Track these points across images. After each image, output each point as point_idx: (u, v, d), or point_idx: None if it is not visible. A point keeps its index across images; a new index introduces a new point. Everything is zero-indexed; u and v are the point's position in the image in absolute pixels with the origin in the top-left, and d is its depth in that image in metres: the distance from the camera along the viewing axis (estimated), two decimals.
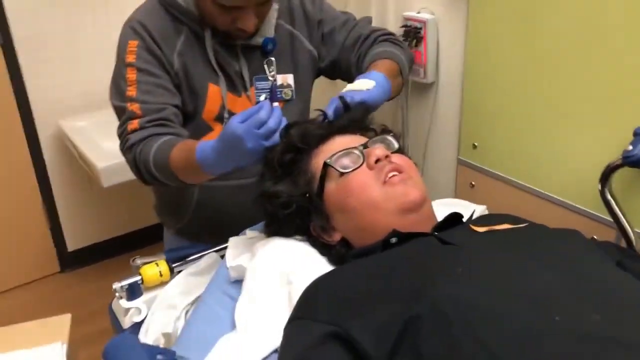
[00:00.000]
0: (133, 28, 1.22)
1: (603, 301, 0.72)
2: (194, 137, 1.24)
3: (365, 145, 1.01)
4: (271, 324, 0.89)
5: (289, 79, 1.34)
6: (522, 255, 0.81)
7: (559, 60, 1.21)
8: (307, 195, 1.01)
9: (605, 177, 1.12)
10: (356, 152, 0.99)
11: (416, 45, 1.51)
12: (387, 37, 1.34)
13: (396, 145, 1.05)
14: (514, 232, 0.92)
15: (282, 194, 1.02)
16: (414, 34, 1.50)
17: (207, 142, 1.06)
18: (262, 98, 1.31)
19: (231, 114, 1.28)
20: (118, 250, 2.75)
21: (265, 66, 1.31)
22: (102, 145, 2.19)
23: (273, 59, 1.31)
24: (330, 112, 1.06)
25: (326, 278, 0.85)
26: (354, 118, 1.08)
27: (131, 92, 1.20)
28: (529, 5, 1.24)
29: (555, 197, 1.30)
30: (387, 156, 0.98)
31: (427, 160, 1.65)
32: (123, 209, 2.79)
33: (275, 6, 1.29)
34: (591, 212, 1.23)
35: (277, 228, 1.05)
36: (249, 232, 1.16)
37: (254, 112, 0.99)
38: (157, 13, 1.25)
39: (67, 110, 2.46)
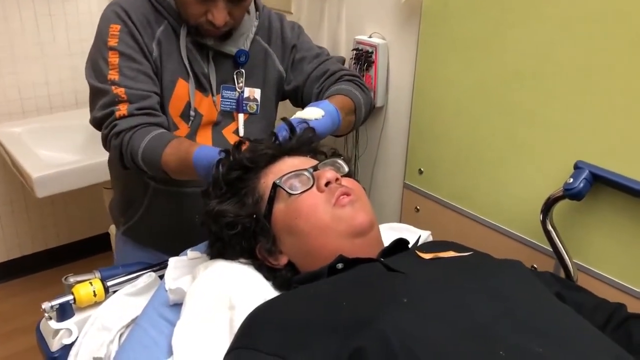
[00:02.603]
0: (115, 12, 1.22)
1: (545, 335, 0.72)
2: None
3: (315, 168, 1.00)
4: (210, 352, 0.86)
5: (256, 93, 1.36)
6: (468, 286, 0.82)
7: (506, 89, 1.24)
8: (255, 216, 0.99)
9: (547, 208, 1.15)
10: (306, 174, 0.98)
11: (367, 69, 1.52)
12: (352, 78, 1.35)
13: (346, 169, 1.04)
14: (459, 260, 0.93)
15: (228, 213, 0.99)
16: (365, 58, 1.51)
17: (207, 150, 1.08)
18: (227, 107, 1.34)
19: (197, 112, 1.30)
20: (50, 263, 2.63)
21: (235, 77, 1.32)
22: (37, 154, 2.09)
23: (243, 71, 1.33)
24: (280, 138, 1.07)
25: (270, 306, 0.83)
26: (304, 140, 1.07)
27: (113, 75, 1.20)
28: (478, 34, 1.27)
29: (498, 225, 1.33)
30: (337, 179, 0.97)
31: (374, 183, 1.65)
32: (57, 220, 2.67)
33: (255, 22, 1.33)
34: (532, 241, 1.26)
35: (221, 249, 1.02)
36: (191, 253, 1.13)
37: None
38: (140, 2, 1.25)
39: (1, 116, 2.35)
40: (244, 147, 1.04)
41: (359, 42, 1.54)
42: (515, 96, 1.22)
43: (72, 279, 1.15)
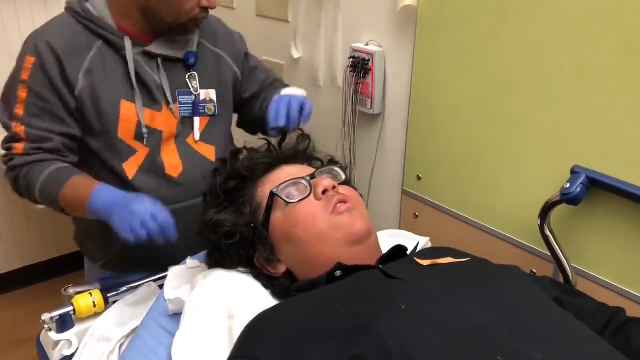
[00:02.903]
0: (35, 44, 1.18)
1: (543, 340, 0.72)
2: (117, 160, 1.24)
3: (312, 176, 1.00)
4: None
5: (212, 94, 1.34)
6: (466, 292, 0.82)
7: (502, 95, 1.24)
8: (252, 225, 0.99)
9: (545, 213, 1.15)
10: (303, 182, 0.98)
11: (364, 77, 1.52)
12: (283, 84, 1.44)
13: (343, 177, 1.05)
14: (457, 266, 0.93)
15: (226, 223, 0.99)
16: (361, 65, 1.52)
17: (103, 192, 1.11)
18: (185, 113, 1.30)
19: (151, 130, 1.25)
20: (50, 274, 2.62)
21: (188, 80, 1.30)
22: None
23: (195, 73, 1.31)
24: (272, 117, 1.20)
25: (269, 315, 0.83)
26: (301, 149, 1.07)
27: (18, 110, 1.18)
28: (474, 40, 1.27)
29: (497, 230, 1.33)
30: (334, 187, 0.97)
31: (372, 190, 1.66)
32: (57, 231, 2.67)
33: None
34: (531, 246, 1.26)
35: (219, 258, 1.02)
36: (190, 262, 1.13)
37: (165, 217, 1.05)
38: (68, 26, 1.20)
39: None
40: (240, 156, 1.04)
41: (355, 50, 1.54)
42: (511, 102, 1.23)
43: (71, 290, 1.15)
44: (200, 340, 0.89)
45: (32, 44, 1.18)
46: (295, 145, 1.09)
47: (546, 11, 1.12)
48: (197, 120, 1.31)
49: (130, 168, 1.26)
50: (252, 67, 1.42)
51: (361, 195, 1.05)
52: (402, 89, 1.49)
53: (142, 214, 1.03)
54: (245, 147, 1.10)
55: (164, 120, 1.27)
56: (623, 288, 1.11)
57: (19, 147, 1.18)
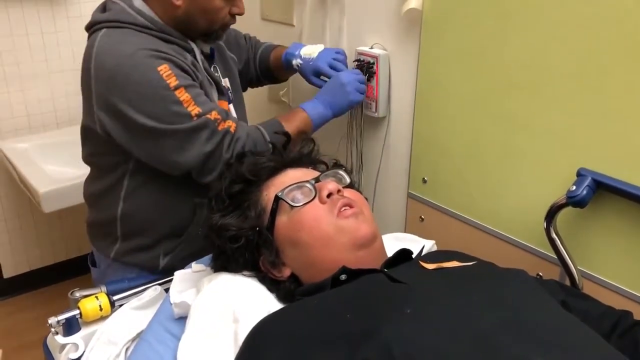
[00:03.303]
0: (149, 56, 1.15)
1: (548, 344, 0.72)
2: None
3: (317, 179, 1.00)
4: None
5: (227, 82, 1.43)
6: (471, 296, 0.81)
7: (507, 97, 1.24)
8: (257, 229, 0.99)
9: (550, 216, 1.15)
10: (308, 185, 0.99)
11: (368, 80, 1.52)
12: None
13: (348, 180, 1.05)
14: (462, 270, 0.92)
15: (231, 227, 0.99)
16: (366, 68, 1.51)
17: (310, 103, 1.37)
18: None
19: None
20: (58, 277, 2.64)
21: (213, 71, 1.35)
22: (44, 169, 2.11)
23: (216, 65, 1.39)
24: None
25: (274, 318, 0.83)
26: (305, 152, 1.08)
27: (194, 109, 1.16)
28: (479, 43, 1.27)
29: (502, 233, 1.32)
30: (339, 190, 0.97)
31: (378, 193, 1.65)
32: (65, 235, 2.68)
33: None
34: (537, 249, 1.25)
35: (224, 262, 1.02)
36: (195, 266, 1.13)
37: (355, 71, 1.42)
38: (143, 37, 1.19)
39: (7, 132, 2.37)
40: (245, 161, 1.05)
41: (360, 53, 1.54)
42: (517, 104, 1.22)
43: (78, 294, 1.15)
44: (206, 344, 0.89)
45: (149, 58, 1.15)
46: (299, 148, 1.10)
47: (551, 13, 1.12)
48: (232, 107, 1.39)
49: None
50: (234, 41, 1.54)
51: (366, 199, 1.06)
52: (407, 92, 1.49)
53: (353, 83, 1.40)
54: (250, 150, 1.10)
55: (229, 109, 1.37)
56: (630, 291, 1.11)
57: (229, 124, 1.20)
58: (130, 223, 1.35)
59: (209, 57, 1.37)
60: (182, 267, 1.19)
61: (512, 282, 0.88)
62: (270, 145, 1.18)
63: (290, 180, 1.00)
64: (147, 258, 1.36)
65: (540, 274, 1.24)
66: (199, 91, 1.20)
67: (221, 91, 1.34)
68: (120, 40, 1.18)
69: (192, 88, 1.18)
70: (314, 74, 1.49)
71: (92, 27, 1.23)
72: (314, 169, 1.08)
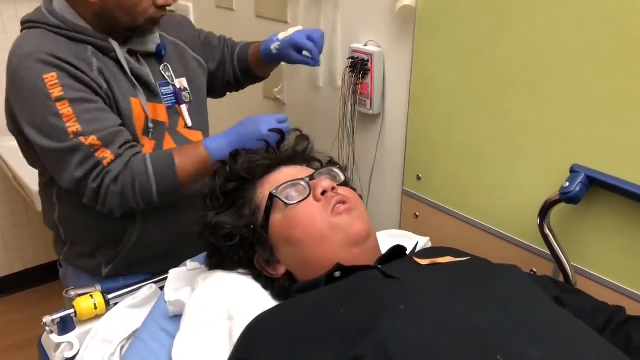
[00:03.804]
0: (41, 60, 1.11)
1: (543, 339, 0.73)
2: None
3: (311, 177, 1.00)
4: None
5: (184, 82, 1.37)
6: (465, 291, 0.82)
7: (501, 94, 1.24)
8: (252, 226, 0.99)
9: (544, 212, 1.15)
10: (302, 183, 0.99)
11: (363, 77, 1.52)
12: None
13: (342, 178, 1.05)
14: (456, 266, 0.93)
15: (225, 225, 0.99)
16: (360, 66, 1.51)
17: (213, 137, 1.22)
18: (169, 103, 1.33)
19: (156, 123, 1.27)
20: (53, 276, 2.62)
21: (162, 72, 1.32)
22: None
23: (168, 64, 1.34)
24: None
25: (269, 316, 0.83)
26: (299, 149, 1.08)
27: (74, 127, 1.10)
28: (473, 40, 1.27)
29: (496, 229, 1.33)
30: (333, 188, 0.98)
31: (372, 190, 1.66)
32: None
33: None
34: (531, 245, 1.26)
35: (219, 260, 1.02)
36: (190, 264, 1.13)
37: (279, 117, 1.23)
38: (53, 38, 1.16)
39: (1, 130, 2.35)
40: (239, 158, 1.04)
41: (354, 51, 1.54)
42: (510, 101, 1.23)
43: (72, 292, 1.15)
44: (201, 342, 0.89)
45: (39, 63, 1.11)
46: (294, 146, 1.10)
47: (546, 11, 1.12)
48: (184, 107, 1.34)
49: None
50: (204, 41, 1.50)
51: (360, 196, 1.06)
52: (402, 89, 1.49)
53: (270, 122, 1.20)
54: (244, 148, 1.10)
55: (162, 112, 1.30)
56: (623, 286, 1.11)
57: (106, 154, 1.12)
58: (68, 228, 1.34)
59: (157, 56, 1.31)
60: (126, 276, 1.22)
61: (506, 278, 0.88)
62: (153, 183, 1.15)
63: (284, 178, 1.00)
64: (91, 265, 1.35)
65: (534, 269, 1.24)
66: (88, 107, 1.13)
67: (153, 93, 1.27)
68: (27, 41, 1.16)
69: (79, 103, 1.12)
70: (294, 49, 1.42)
71: (21, 28, 1.22)
72: (308, 166, 1.08)
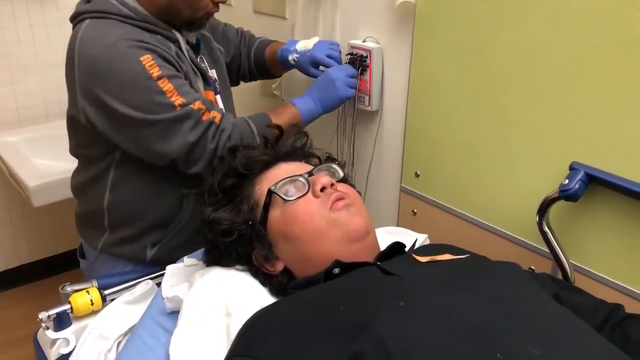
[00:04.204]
0: (132, 46, 1.15)
1: (543, 336, 0.72)
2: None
3: (310, 173, 1.00)
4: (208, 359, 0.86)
5: (214, 73, 1.41)
6: (464, 289, 0.81)
7: (500, 92, 1.24)
8: (250, 222, 0.99)
9: (543, 210, 1.15)
10: (301, 179, 0.98)
11: (361, 73, 1.52)
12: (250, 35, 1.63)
13: (341, 174, 1.05)
14: (455, 263, 0.93)
15: (224, 221, 0.99)
16: (359, 62, 1.51)
17: (300, 98, 1.35)
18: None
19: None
20: (48, 272, 2.62)
21: (199, 62, 1.34)
22: (34, 163, 2.09)
23: (202, 55, 1.38)
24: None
25: (267, 312, 0.83)
26: (298, 145, 1.07)
27: (178, 99, 1.15)
28: (472, 36, 1.27)
29: (495, 227, 1.32)
30: (332, 184, 0.97)
31: (370, 187, 1.65)
32: (55, 229, 2.66)
33: None
34: (530, 243, 1.25)
35: (217, 256, 1.02)
36: (187, 260, 1.13)
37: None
38: (127, 28, 1.19)
39: None
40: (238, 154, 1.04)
41: (353, 47, 1.54)
42: (509, 98, 1.22)
43: (69, 288, 1.14)
44: (198, 339, 0.89)
45: (128, 49, 1.14)
46: (292, 142, 1.09)
47: (544, 7, 1.12)
48: (218, 98, 1.38)
49: None
50: (222, 32, 1.54)
51: (359, 193, 1.05)
52: (400, 85, 1.49)
53: (343, 78, 1.39)
54: (242, 145, 1.10)
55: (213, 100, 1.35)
56: (622, 284, 1.11)
57: (214, 114, 1.19)
58: (117, 214, 1.34)
59: (195, 48, 1.35)
60: (170, 260, 1.19)
61: (505, 275, 0.88)
62: (259, 139, 1.18)
63: (283, 174, 1.00)
64: (134, 249, 1.36)
65: (533, 267, 1.24)
66: (182, 82, 1.19)
67: (207, 82, 1.33)
68: (103, 30, 1.18)
69: (175, 78, 1.17)
70: (312, 65, 1.49)
71: (76, 18, 1.23)
72: (307, 162, 1.08)
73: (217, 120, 1.19)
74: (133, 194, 1.31)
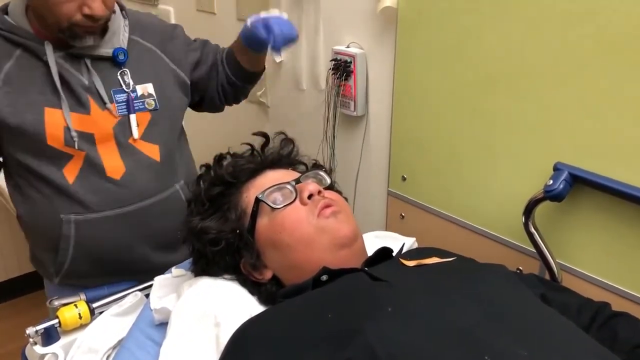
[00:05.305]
0: None
1: (530, 338, 0.73)
2: (55, 168, 1.22)
3: (297, 181, 1.00)
4: None
5: (149, 88, 1.30)
6: (452, 292, 0.82)
7: (483, 94, 1.25)
8: (238, 231, 0.98)
9: (529, 210, 1.16)
10: (289, 187, 0.98)
11: (346, 79, 1.52)
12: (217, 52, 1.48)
13: (328, 181, 1.05)
14: (442, 266, 0.93)
15: (211, 230, 0.98)
16: (343, 67, 1.51)
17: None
18: (124, 112, 1.27)
19: (81, 133, 1.22)
20: (35, 286, 2.59)
21: (119, 78, 1.27)
22: None
23: (127, 70, 1.28)
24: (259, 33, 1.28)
25: (256, 321, 0.82)
26: (284, 153, 1.07)
27: None
28: (455, 40, 1.28)
29: (482, 228, 1.33)
30: (320, 192, 0.97)
31: (358, 191, 1.66)
32: None
33: (124, 21, 1.29)
34: (516, 243, 1.26)
35: (205, 266, 1.01)
36: (175, 271, 1.12)
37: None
38: None
39: None
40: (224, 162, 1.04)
41: (337, 53, 1.54)
42: (493, 100, 1.23)
43: (56, 302, 1.14)
44: (187, 350, 0.88)
45: None
46: (279, 149, 1.09)
47: (525, 9, 1.13)
48: (132, 117, 1.27)
49: (70, 173, 1.24)
50: (196, 61, 1.42)
51: (346, 199, 1.05)
52: (385, 90, 1.50)
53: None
54: (228, 152, 1.10)
55: (95, 122, 1.24)
56: (608, 283, 1.12)
57: None
58: (24, 227, 1.37)
59: (113, 61, 1.26)
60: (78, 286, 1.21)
61: (492, 277, 0.88)
62: None
63: (270, 182, 1.00)
64: (44, 268, 1.38)
65: (520, 268, 1.25)
66: None
67: (79, 101, 1.22)
68: None
69: None
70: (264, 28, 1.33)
71: None
72: (294, 170, 1.08)
73: None
74: (24, 211, 1.32)
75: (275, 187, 0.98)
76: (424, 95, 1.38)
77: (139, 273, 1.23)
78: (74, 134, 1.21)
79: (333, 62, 1.54)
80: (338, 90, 1.56)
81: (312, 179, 1.03)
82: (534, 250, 1.18)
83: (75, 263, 1.30)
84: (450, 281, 0.86)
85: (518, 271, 1.24)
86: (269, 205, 0.96)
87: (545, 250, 1.15)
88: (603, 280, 1.13)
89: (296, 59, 1.77)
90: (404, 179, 1.50)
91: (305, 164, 1.11)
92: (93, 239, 1.28)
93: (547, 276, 1.16)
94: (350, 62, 1.51)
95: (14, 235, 2.57)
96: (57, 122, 1.19)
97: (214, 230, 0.98)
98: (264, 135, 1.12)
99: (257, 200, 0.97)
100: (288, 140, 1.11)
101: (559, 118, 1.12)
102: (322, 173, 1.06)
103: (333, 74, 1.54)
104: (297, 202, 0.96)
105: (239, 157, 1.07)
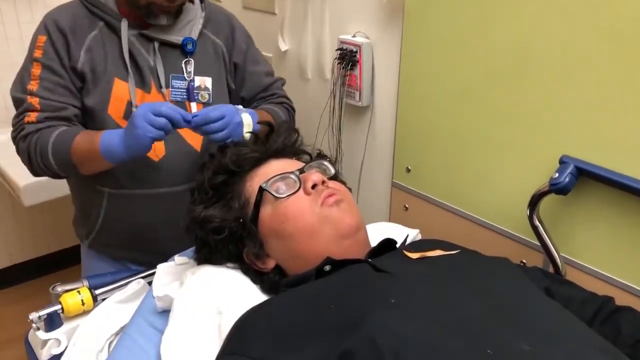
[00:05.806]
0: (45, 23, 1.24)
1: (533, 331, 0.72)
2: None
3: (301, 170, 0.99)
4: (199, 358, 0.85)
5: (207, 82, 1.34)
6: (455, 285, 0.82)
7: (490, 86, 1.24)
8: (241, 220, 0.98)
9: (533, 203, 1.15)
10: (292, 176, 0.98)
11: (351, 69, 1.51)
12: (283, 100, 1.43)
13: (332, 171, 1.04)
14: (446, 259, 0.92)
15: (214, 218, 0.98)
16: (349, 57, 1.51)
17: (112, 131, 1.17)
18: (178, 97, 1.30)
19: None
20: (40, 271, 2.61)
21: (183, 65, 1.31)
22: None
23: (192, 60, 1.32)
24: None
25: (258, 310, 0.82)
26: (289, 142, 1.07)
27: (32, 86, 1.21)
28: (461, 31, 1.27)
29: (486, 221, 1.33)
30: (323, 182, 0.97)
31: (362, 182, 1.65)
32: (47, 228, 2.65)
33: (201, 13, 1.33)
34: (521, 236, 1.26)
35: (208, 254, 1.01)
36: (178, 259, 1.12)
37: (158, 103, 1.10)
38: (74, 9, 1.26)
39: None
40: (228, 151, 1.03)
41: (342, 42, 1.53)
42: (499, 93, 1.22)
43: (59, 288, 1.14)
44: (189, 338, 0.88)
45: (42, 25, 1.24)
46: (283, 139, 1.09)
47: (532, 2, 1.12)
48: (194, 105, 1.32)
49: None
50: (249, 73, 1.41)
51: (350, 190, 1.05)
52: (390, 80, 1.49)
53: (142, 115, 1.07)
54: (232, 142, 1.09)
55: (153, 101, 1.27)
56: (612, 277, 1.12)
57: (32, 115, 1.20)
58: (71, 187, 1.44)
59: (183, 50, 1.30)
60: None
61: (497, 270, 0.88)
62: (53, 161, 1.18)
63: (274, 171, 0.99)
64: (78, 228, 1.44)
65: (524, 261, 1.25)
66: (52, 77, 1.22)
67: (143, 79, 1.26)
68: (60, 5, 1.28)
69: (47, 70, 1.22)
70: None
71: None
72: (298, 159, 1.07)
73: (26, 119, 1.21)
74: (71, 183, 1.41)
75: (279, 176, 0.98)
76: (430, 86, 1.37)
77: (158, 254, 1.23)
78: (134, 108, 1.25)
79: (339, 52, 1.53)
80: (343, 80, 1.55)
81: (316, 169, 1.02)
82: (538, 244, 1.18)
83: (103, 231, 1.35)
84: (454, 274, 0.86)
85: (522, 264, 1.24)
86: (272, 194, 0.96)
87: (550, 243, 1.15)
88: (607, 274, 1.12)
89: (302, 47, 1.76)
90: (408, 170, 1.50)
91: (309, 154, 1.10)
92: (121, 213, 1.32)
93: (551, 269, 1.16)
94: (356, 52, 1.50)
95: (18, 222, 2.58)
96: (122, 94, 1.25)
97: (217, 219, 0.98)
98: (269, 124, 1.12)
99: (261, 190, 0.97)
100: (292, 130, 1.11)
101: (565, 111, 1.11)
102: (326, 163, 1.05)
103: (338, 63, 1.54)
104: (301, 191, 0.96)
105: (243, 146, 1.06)
